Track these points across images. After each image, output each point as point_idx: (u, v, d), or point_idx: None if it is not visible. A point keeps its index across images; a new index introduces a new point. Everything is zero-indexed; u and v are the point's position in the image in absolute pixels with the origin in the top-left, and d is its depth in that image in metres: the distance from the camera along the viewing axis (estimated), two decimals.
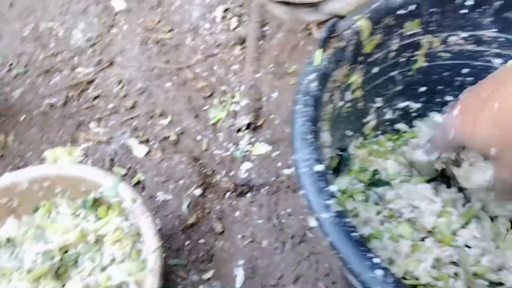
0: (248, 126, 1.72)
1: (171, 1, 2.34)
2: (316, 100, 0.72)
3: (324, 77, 0.77)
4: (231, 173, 1.61)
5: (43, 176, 1.21)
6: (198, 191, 1.52)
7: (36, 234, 1.25)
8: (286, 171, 1.58)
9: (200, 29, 2.19)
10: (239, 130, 1.73)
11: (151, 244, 1.07)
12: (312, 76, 0.77)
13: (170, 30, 2.19)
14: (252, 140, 1.70)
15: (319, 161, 0.64)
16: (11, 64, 2.06)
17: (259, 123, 1.75)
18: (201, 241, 1.42)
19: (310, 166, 0.62)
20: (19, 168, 1.71)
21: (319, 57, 0.79)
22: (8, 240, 1.25)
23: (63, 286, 1.11)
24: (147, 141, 1.74)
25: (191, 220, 1.44)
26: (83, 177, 1.22)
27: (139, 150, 1.69)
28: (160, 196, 1.49)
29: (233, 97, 1.86)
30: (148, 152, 1.69)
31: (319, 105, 0.72)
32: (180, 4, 2.31)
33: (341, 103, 0.96)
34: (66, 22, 2.22)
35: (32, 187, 1.23)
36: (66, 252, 1.19)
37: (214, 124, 1.78)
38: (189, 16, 2.26)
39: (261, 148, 1.67)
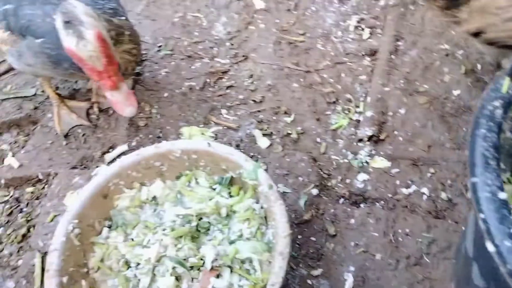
0: (370, 138, 1.75)
1: (307, 5, 2.44)
2: (499, 127, 0.74)
3: (508, 106, 0.77)
4: (347, 181, 1.66)
5: (194, 149, 1.38)
6: (314, 191, 1.60)
7: (176, 198, 1.43)
8: (405, 190, 1.58)
9: (332, 36, 2.26)
10: (360, 140, 1.77)
11: (283, 229, 1.17)
12: (497, 103, 0.78)
13: (303, 34, 2.29)
14: (372, 152, 1.72)
15: (502, 188, 0.66)
16: (160, 46, 2.33)
17: (382, 137, 1.76)
18: (313, 238, 1.49)
19: (493, 192, 0.65)
20: (158, 137, 1.95)
21: (506, 85, 0.80)
22: (154, 198, 1.45)
23: (198, 249, 1.26)
24: (270, 134, 1.85)
25: (306, 217, 1.52)
26: (226, 157, 1.37)
27: (263, 142, 1.82)
28: (281, 187, 1.60)
29: (357, 106, 1.90)
30: (270, 145, 1.81)
31: (500, 132, 0.74)
32: (316, 9, 2.41)
33: None
34: (210, 14, 2.45)
35: (183, 156, 1.41)
36: (200, 219, 1.35)
37: (335, 130, 1.84)
38: (322, 22, 2.35)
39: (380, 163, 1.69)
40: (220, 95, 2.06)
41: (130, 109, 1.31)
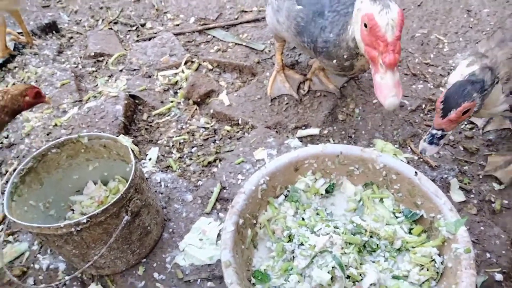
0: None
1: None
2: None
3: None
4: None
5: (397, 171, 1.34)
6: (498, 276, 1.39)
7: (353, 207, 1.42)
8: None
9: None
10: None
11: None
12: None
13: None
14: None
15: None
16: None
17: None
18: None
19: None
20: (349, 137, 1.95)
21: None
22: (327, 191, 1.46)
23: (361, 264, 1.23)
24: (469, 191, 1.67)
25: None
26: (429, 195, 1.28)
27: (457, 194, 1.64)
28: None
29: None
30: (464, 202, 1.63)
31: None
32: None
33: None
34: (456, 43, 2.29)
35: (382, 171, 1.38)
36: (371, 237, 1.31)
37: None
38: None
39: None
40: (429, 126, 1.93)
41: (393, 99, 1.22)
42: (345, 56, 1.51)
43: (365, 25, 1.25)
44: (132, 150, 1.34)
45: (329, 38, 1.52)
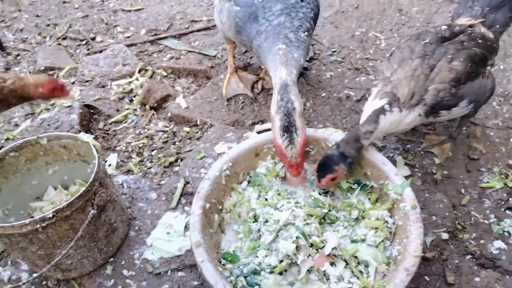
0: None
1: None
2: None
3: None
4: (481, 241, 1.55)
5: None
6: (444, 235, 1.53)
7: (311, 181, 1.52)
8: None
9: None
10: (509, 209, 1.64)
11: (415, 249, 1.16)
12: None
13: None
14: None
15: None
16: (334, 51, 2.47)
17: None
18: (426, 278, 1.43)
19: None
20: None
21: None
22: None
23: (322, 233, 1.32)
24: (413, 166, 1.83)
25: (428, 255, 1.46)
26: (377, 164, 1.40)
27: (403, 170, 1.79)
28: None
29: None
30: (410, 175, 1.78)
31: None
32: None
33: None
34: (391, 39, 2.51)
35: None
36: (329, 210, 1.41)
37: (484, 188, 1.73)
38: None
39: None
40: None
41: (300, 186, 1.51)
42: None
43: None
44: (93, 146, 1.36)
45: (262, 44, 1.66)
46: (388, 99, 1.43)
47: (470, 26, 1.66)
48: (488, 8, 1.71)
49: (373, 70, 2.32)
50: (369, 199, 1.43)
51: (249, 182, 1.54)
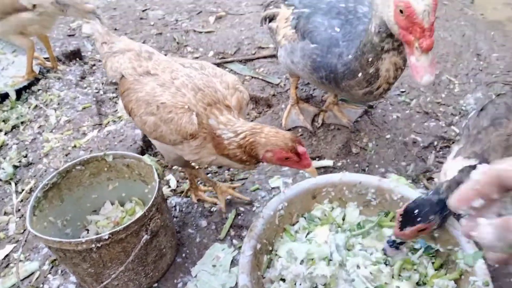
0: None
1: None
2: None
3: None
4: None
5: (414, 197, 1.34)
6: None
7: (374, 230, 1.42)
8: None
9: None
10: None
11: None
12: None
13: None
14: None
15: None
16: (403, 91, 2.35)
17: None
18: None
19: None
20: (363, 170, 1.98)
21: None
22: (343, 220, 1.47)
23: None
24: None
25: None
26: (448, 228, 1.28)
27: None
28: None
29: None
30: None
31: None
32: None
33: None
34: (466, 84, 2.36)
35: (399, 202, 1.39)
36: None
37: None
38: None
39: None
40: (441, 163, 1.96)
41: (428, 76, 1.26)
42: (369, 59, 1.50)
43: (401, 11, 1.26)
44: (156, 169, 1.37)
45: (348, 59, 1.58)
46: (477, 160, 1.27)
47: None
48: None
49: (443, 116, 2.18)
50: (432, 263, 1.30)
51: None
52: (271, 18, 1.99)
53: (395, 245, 1.24)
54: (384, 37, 1.42)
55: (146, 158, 1.40)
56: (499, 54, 2.55)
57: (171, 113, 1.30)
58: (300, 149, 1.22)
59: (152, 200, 1.27)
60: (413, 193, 1.40)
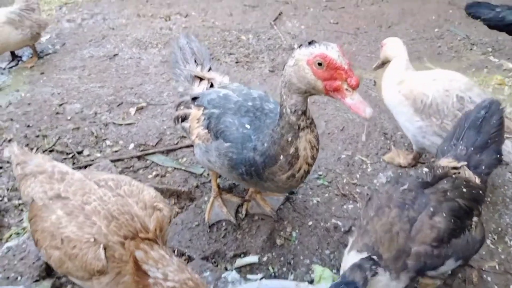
0: None
1: None
2: None
3: None
4: None
5: None
6: None
7: None
8: None
9: None
10: None
11: None
12: None
13: None
14: None
15: None
16: (320, 174, 2.44)
17: None
18: None
19: None
20: (289, 263, 1.94)
21: None
22: None
23: None
24: None
25: None
26: None
27: None
28: None
29: None
30: None
31: None
32: None
33: None
34: (377, 164, 2.51)
35: None
36: None
37: None
38: None
39: None
40: None
41: (369, 109, 1.33)
42: (289, 139, 1.54)
43: (320, 64, 1.35)
44: None
45: (264, 148, 1.60)
46: (369, 253, 1.33)
47: (454, 167, 1.62)
48: (472, 148, 1.69)
49: (360, 197, 2.26)
50: None
51: None
52: (184, 118, 2.01)
53: None
54: (300, 115, 1.50)
55: None
56: (401, 132, 2.78)
57: (75, 248, 1.24)
58: None
59: None
60: None
